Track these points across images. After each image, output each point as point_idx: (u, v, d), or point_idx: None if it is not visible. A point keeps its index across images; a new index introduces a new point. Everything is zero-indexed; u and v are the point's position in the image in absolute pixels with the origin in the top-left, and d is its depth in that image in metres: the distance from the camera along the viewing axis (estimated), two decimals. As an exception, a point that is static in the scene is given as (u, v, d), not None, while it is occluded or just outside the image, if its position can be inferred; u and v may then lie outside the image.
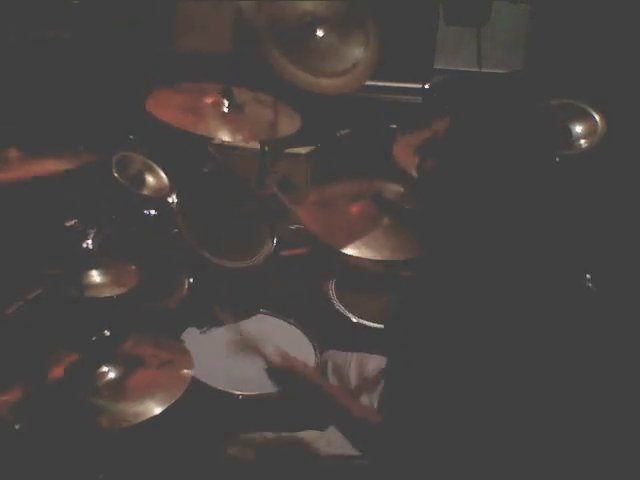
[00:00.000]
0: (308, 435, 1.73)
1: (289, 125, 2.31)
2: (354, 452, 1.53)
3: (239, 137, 2.20)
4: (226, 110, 2.20)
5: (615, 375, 1.40)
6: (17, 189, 1.85)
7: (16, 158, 1.73)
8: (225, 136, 2.15)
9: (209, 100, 2.24)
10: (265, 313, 2.28)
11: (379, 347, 1.99)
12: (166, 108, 2.13)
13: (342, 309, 2.30)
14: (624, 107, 2.47)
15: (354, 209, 2.10)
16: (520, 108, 1.33)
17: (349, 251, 1.99)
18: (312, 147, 3.05)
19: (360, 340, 2.16)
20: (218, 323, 2.16)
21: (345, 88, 2.22)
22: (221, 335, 2.15)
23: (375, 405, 1.75)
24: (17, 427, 1.49)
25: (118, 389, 1.62)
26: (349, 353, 2.04)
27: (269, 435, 1.75)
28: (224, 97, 2.23)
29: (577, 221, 1.58)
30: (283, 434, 1.74)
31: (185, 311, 2.16)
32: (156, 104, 2.12)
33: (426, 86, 2.99)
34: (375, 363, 1.95)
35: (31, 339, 1.84)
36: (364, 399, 1.83)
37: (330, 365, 2.03)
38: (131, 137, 2.57)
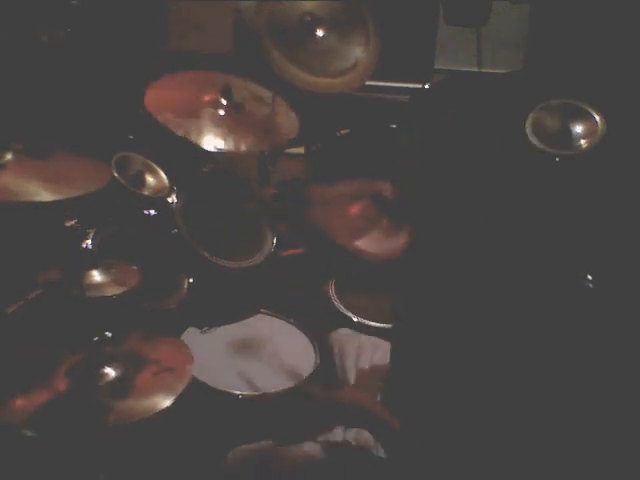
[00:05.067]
0: (306, 445, 1.73)
1: (288, 129, 2.30)
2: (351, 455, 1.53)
3: (235, 145, 2.16)
4: (222, 113, 2.17)
5: (615, 375, 1.40)
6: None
7: (14, 159, 1.72)
8: (221, 145, 2.11)
9: (207, 97, 2.20)
10: (265, 313, 2.28)
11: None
12: (163, 106, 2.11)
13: (342, 309, 2.31)
14: (624, 107, 2.47)
15: (354, 209, 2.10)
16: (520, 108, 1.33)
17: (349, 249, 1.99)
18: (312, 147, 3.05)
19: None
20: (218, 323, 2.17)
21: (345, 88, 2.22)
22: (221, 335, 2.15)
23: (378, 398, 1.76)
24: (28, 433, 1.49)
25: (118, 389, 1.62)
26: (358, 335, 2.05)
27: (268, 445, 1.75)
28: (223, 97, 2.22)
29: (577, 221, 1.58)
30: (281, 446, 1.74)
31: (185, 311, 2.16)
32: (154, 99, 2.10)
33: (426, 86, 2.99)
34: (383, 348, 1.96)
35: (31, 339, 1.84)
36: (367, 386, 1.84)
37: (337, 346, 2.04)
38: (131, 137, 2.57)
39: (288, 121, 2.31)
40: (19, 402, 1.56)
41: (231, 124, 2.14)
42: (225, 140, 2.10)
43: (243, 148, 2.13)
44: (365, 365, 1.96)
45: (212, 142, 2.09)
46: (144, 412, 1.55)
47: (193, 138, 2.04)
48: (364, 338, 2.07)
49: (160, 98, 2.12)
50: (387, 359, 1.87)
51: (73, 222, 2.16)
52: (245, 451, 1.75)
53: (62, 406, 1.56)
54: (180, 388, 1.61)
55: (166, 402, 1.57)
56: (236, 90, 2.22)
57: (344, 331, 2.12)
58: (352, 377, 1.97)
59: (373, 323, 2.24)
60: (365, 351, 2.00)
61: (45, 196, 1.62)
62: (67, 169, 1.75)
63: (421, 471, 1.31)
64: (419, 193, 1.42)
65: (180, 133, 2.02)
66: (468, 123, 1.29)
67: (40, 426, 1.52)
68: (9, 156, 1.68)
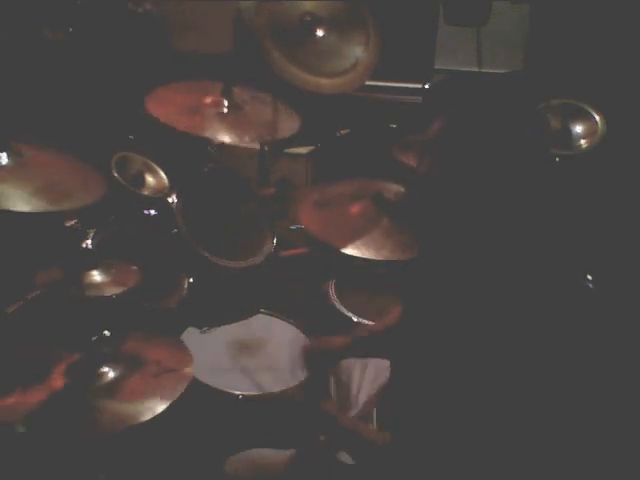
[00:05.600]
0: (305, 449, 1.73)
1: (289, 124, 2.31)
2: (351, 460, 1.53)
3: (245, 139, 2.19)
4: (225, 110, 2.20)
5: (615, 375, 1.40)
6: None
7: (14, 159, 1.71)
8: (226, 138, 2.13)
9: (208, 99, 2.22)
10: (265, 313, 2.28)
11: (380, 347, 1.98)
12: (165, 108, 2.12)
13: (342, 309, 2.30)
14: (624, 107, 2.47)
15: (354, 209, 2.09)
16: (520, 108, 1.33)
17: (349, 251, 1.99)
18: (312, 147, 3.05)
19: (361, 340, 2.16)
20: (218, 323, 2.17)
21: (345, 88, 2.22)
22: (221, 335, 2.15)
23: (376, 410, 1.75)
24: (19, 428, 1.49)
25: (118, 389, 1.61)
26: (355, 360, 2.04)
27: (266, 452, 1.75)
28: (223, 97, 2.22)
29: (577, 221, 1.58)
30: (280, 451, 1.74)
31: (185, 311, 2.16)
32: (155, 104, 2.12)
33: (426, 86, 2.99)
34: (380, 367, 1.95)
35: (31, 339, 1.84)
36: (366, 404, 1.83)
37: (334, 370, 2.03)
38: (131, 137, 2.57)
39: (288, 119, 2.32)
40: (14, 400, 1.55)
41: (231, 119, 2.16)
42: (228, 134, 2.11)
43: (247, 140, 2.15)
44: (368, 391, 1.94)
45: (220, 135, 2.11)
46: (140, 415, 1.54)
47: (202, 133, 2.06)
48: (361, 362, 2.06)
49: (163, 107, 2.14)
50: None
51: (73, 222, 2.16)
52: (240, 458, 1.75)
53: (58, 405, 1.56)
54: (179, 391, 1.60)
55: (164, 405, 1.56)
56: (237, 92, 2.24)
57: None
58: (358, 406, 1.95)
59: (373, 323, 2.24)
60: (365, 376, 1.99)
61: (35, 206, 1.57)
62: (63, 179, 1.71)
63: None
64: (419, 193, 1.42)
65: (182, 129, 2.04)
66: (468, 123, 1.29)
67: (35, 424, 1.51)
68: (4, 161, 1.64)
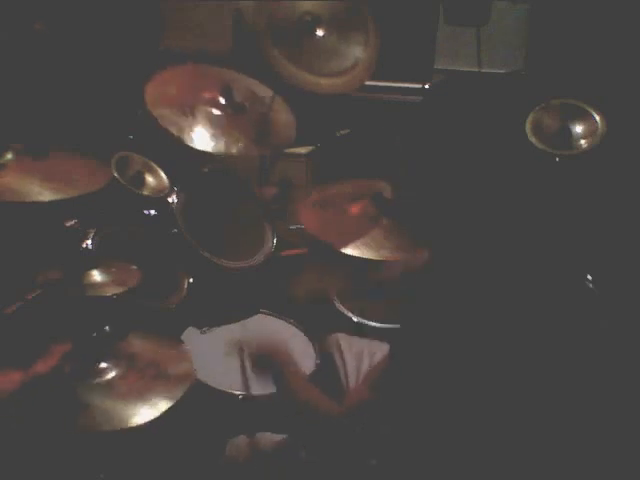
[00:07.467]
0: (305, 434, 1.73)
1: (284, 135, 2.28)
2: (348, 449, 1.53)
3: (227, 147, 2.15)
4: (219, 113, 2.16)
5: (615, 376, 1.40)
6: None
7: (15, 160, 1.72)
8: (212, 146, 2.09)
9: (207, 94, 2.18)
10: (265, 313, 2.28)
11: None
12: (161, 101, 2.09)
13: (342, 309, 2.30)
14: (624, 107, 2.47)
15: (354, 209, 2.09)
16: (520, 108, 1.33)
17: (349, 251, 1.99)
18: (312, 147, 3.05)
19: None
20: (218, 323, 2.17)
21: (345, 88, 2.22)
22: (221, 335, 2.15)
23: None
24: (15, 424, 1.48)
25: (117, 389, 1.61)
26: (358, 339, 2.05)
27: (267, 436, 1.76)
28: (223, 96, 2.21)
29: (577, 221, 1.58)
30: (280, 435, 1.74)
31: (185, 311, 2.16)
32: (155, 92, 2.08)
33: (426, 86, 2.99)
34: (382, 352, 1.95)
35: (31, 339, 1.83)
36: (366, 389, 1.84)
37: (337, 348, 2.04)
38: (131, 137, 2.57)
39: (285, 127, 2.30)
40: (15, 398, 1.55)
41: (226, 126, 2.13)
42: (217, 142, 2.07)
43: (234, 150, 2.11)
44: (365, 369, 1.95)
45: (203, 142, 2.06)
46: (140, 416, 1.53)
47: (185, 138, 2.02)
48: (362, 341, 2.07)
49: (160, 91, 2.10)
50: (385, 362, 1.87)
51: (73, 222, 2.16)
52: (243, 442, 1.75)
53: (55, 403, 1.55)
54: (179, 392, 1.60)
55: (164, 406, 1.56)
56: (236, 89, 2.21)
57: (341, 335, 2.11)
58: (353, 381, 1.96)
59: (373, 323, 2.24)
60: (364, 354, 2.00)
61: (46, 196, 1.62)
62: (67, 169, 1.75)
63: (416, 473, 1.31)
64: (418, 194, 1.42)
65: (174, 132, 2.01)
66: (468, 123, 1.29)
67: (33, 423, 1.51)
68: (9, 156, 1.68)
